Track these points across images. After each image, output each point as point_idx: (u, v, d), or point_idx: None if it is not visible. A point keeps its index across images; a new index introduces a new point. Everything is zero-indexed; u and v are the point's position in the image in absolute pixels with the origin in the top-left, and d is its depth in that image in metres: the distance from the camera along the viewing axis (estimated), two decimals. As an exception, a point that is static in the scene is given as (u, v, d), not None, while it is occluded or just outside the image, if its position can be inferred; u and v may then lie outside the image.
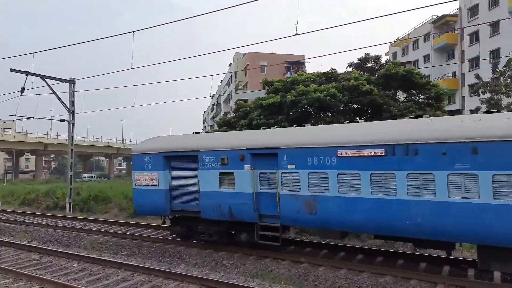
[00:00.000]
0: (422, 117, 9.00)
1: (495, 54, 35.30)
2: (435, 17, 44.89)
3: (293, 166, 9.34)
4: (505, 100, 24.04)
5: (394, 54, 53.28)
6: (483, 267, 7.92)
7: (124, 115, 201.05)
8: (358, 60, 25.07)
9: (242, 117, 23.41)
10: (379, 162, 8.17)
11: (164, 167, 11.47)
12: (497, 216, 7.02)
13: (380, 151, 8.15)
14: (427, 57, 46.34)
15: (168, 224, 12.93)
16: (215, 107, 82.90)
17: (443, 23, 44.07)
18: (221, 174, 10.51)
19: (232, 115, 29.25)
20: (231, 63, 70.94)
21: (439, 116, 20.73)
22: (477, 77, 28.38)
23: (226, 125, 24.61)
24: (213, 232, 11.14)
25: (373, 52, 29.51)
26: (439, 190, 7.52)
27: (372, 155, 8.25)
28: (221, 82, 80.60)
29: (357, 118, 22.34)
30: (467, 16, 40.36)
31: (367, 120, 21.68)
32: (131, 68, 12.76)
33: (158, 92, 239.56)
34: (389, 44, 51.98)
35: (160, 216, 12.79)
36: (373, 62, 24.89)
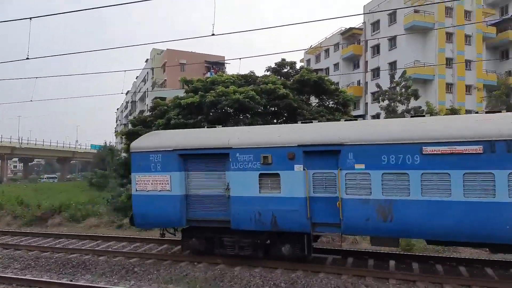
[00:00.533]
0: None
1: (392, 66, 39.78)
2: (343, 29, 48.95)
3: (362, 166, 8.04)
4: (400, 107, 27.21)
5: (308, 61, 56.58)
6: None
7: (21, 111, 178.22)
8: (275, 65, 26.01)
9: (159, 116, 22.53)
10: (474, 160, 7.32)
11: (179, 168, 9.52)
12: None
13: (477, 148, 7.30)
14: (336, 65, 50.24)
15: (172, 237, 11.09)
16: (129, 104, 78.56)
17: (350, 35, 48.26)
18: (262, 175, 8.89)
19: (149, 113, 27.95)
20: (147, 59, 67.91)
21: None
22: (378, 86, 31.68)
23: (141, 124, 23.45)
24: (245, 244, 9.47)
25: (289, 58, 30.75)
26: None
27: (467, 152, 7.35)
28: (136, 78, 76.67)
29: (274, 121, 23.15)
30: (370, 30, 44.81)
31: (282, 122, 22.62)
32: (27, 58, 11.24)
33: (64, 86, 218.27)
34: (304, 51, 55.14)
35: (169, 228, 10.59)
36: (288, 68, 26.05)
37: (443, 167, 7.51)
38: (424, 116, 9.06)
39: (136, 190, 10.00)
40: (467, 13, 40.00)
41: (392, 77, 31.97)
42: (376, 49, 43.57)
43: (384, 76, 37.61)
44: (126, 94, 74.28)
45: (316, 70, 28.34)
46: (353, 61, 48.66)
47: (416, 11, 38.28)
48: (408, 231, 8.00)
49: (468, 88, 39.45)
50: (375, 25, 43.93)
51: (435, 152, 7.54)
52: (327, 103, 24.02)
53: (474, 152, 7.31)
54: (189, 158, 9.61)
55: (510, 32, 40.74)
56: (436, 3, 37.45)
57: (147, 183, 9.78)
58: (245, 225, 9.03)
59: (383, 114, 28.97)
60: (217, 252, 9.84)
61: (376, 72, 42.38)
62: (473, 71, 39.68)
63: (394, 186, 7.84)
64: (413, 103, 27.39)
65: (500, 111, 8.28)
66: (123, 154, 34.31)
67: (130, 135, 23.18)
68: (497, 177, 7.17)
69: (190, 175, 9.62)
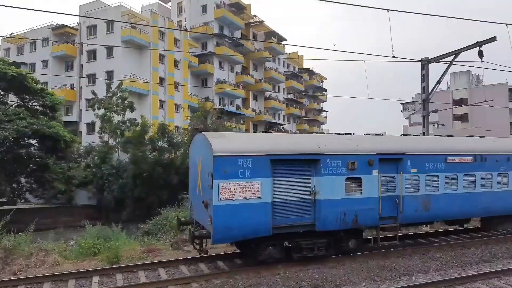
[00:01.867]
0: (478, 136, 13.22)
1: (109, 75, 39.12)
2: (55, 24, 43.66)
3: (415, 170, 10.74)
4: (116, 117, 26.90)
5: (8, 50, 46.59)
6: None
7: None
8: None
9: None
10: (468, 166, 11.50)
11: (270, 174, 9.31)
12: None
13: (469, 159, 11.53)
14: (45, 62, 44.01)
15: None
16: None
17: (63, 33, 43.67)
18: (347, 179, 10.08)
19: None
20: None
21: (54, 125, 19.75)
22: (93, 93, 30.19)
23: None
24: (322, 245, 10.15)
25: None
26: (494, 184, 12.09)
27: (465, 161, 11.45)
28: None
29: None
30: (87, 33, 42.34)
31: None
32: None
33: None
34: (1, 38, 44.94)
35: (251, 238, 9.46)
36: (-27, 53, 20.10)
37: (455, 170, 11.41)
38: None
39: (220, 199, 9.08)
40: (177, 41, 45.57)
41: (109, 86, 31.29)
42: (93, 55, 41.66)
43: (100, 84, 36.25)
44: None
45: (18, 64, 23.39)
46: (66, 62, 44.23)
47: (133, 27, 39.62)
48: (437, 216, 11.69)
49: (177, 107, 44.75)
50: (92, 29, 42.01)
51: (452, 161, 11.37)
52: (30, 104, 20.33)
53: (468, 161, 11.66)
54: (277, 164, 9.68)
55: (208, 65, 49.75)
56: (150, 26, 40.36)
57: (234, 191, 9.23)
58: (331, 225, 9.96)
59: (98, 122, 27.68)
60: (295, 257, 10.08)
61: (92, 79, 40.36)
62: (181, 93, 45.46)
63: (431, 184, 11.10)
64: (129, 115, 27.81)
65: (483, 136, 13.38)
66: None
67: None
68: (476, 176, 11.86)
69: (277, 181, 9.71)
